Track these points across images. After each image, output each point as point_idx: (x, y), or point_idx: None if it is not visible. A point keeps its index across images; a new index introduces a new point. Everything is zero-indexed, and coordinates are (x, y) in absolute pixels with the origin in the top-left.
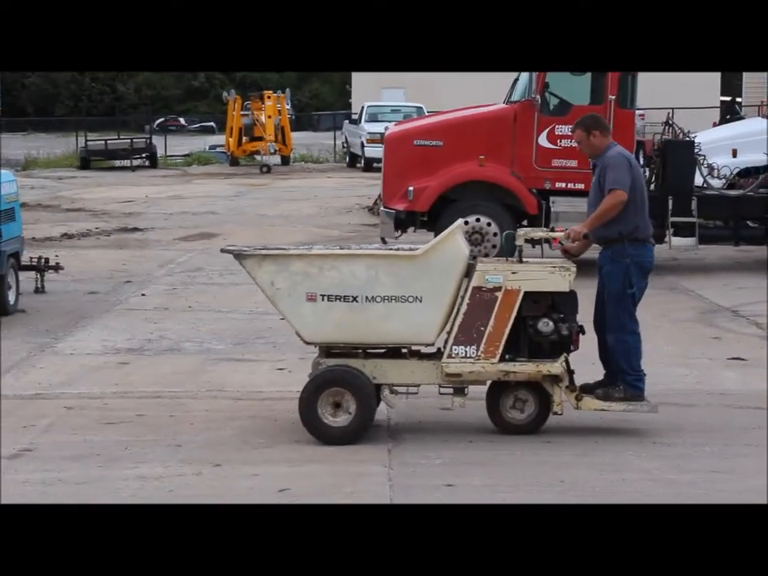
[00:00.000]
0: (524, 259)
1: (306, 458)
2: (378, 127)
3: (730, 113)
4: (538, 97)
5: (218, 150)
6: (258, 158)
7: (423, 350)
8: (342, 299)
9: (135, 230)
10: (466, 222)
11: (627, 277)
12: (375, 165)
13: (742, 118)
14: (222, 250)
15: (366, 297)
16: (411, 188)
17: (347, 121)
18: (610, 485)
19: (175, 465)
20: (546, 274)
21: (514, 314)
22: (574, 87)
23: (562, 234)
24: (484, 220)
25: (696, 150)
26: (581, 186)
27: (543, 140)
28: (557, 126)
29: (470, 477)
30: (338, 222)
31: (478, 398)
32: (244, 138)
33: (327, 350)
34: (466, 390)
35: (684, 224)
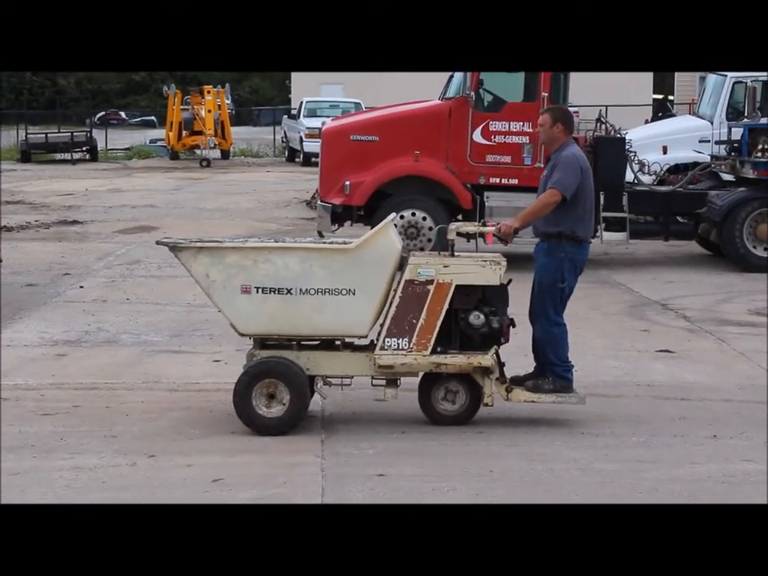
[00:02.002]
0: (456, 253)
1: (240, 449)
2: (316, 122)
3: (661, 110)
4: (473, 93)
5: (159, 143)
6: (198, 152)
7: (356, 342)
8: (276, 291)
9: (74, 222)
10: (402, 217)
11: (560, 271)
12: (314, 159)
13: (673, 115)
14: (158, 242)
15: (300, 289)
16: (348, 182)
17: (286, 116)
18: (539, 474)
19: (110, 455)
20: (478, 267)
21: (446, 306)
22: (507, 84)
23: (494, 228)
24: (419, 214)
25: (627, 147)
26: (514, 182)
27: (477, 136)
28: (491, 123)
29: (402, 467)
30: (276, 216)
31: (411, 389)
32: (184, 133)
33: (262, 342)
34: (398, 381)
35: (615, 219)
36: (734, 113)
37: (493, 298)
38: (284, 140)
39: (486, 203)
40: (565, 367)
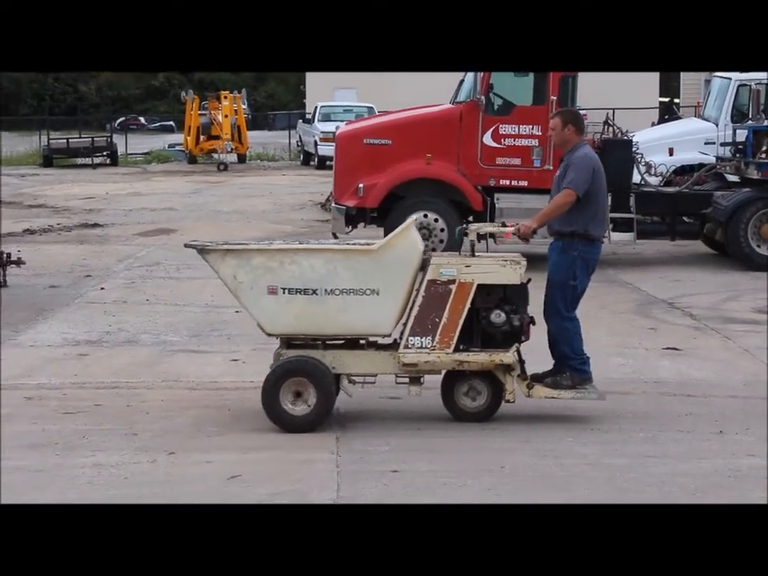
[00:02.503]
0: (476, 253)
1: (257, 446)
2: (330, 126)
3: (668, 113)
4: (483, 97)
5: (177, 148)
6: (215, 156)
7: (380, 341)
8: (302, 292)
9: (95, 225)
10: (414, 218)
11: (572, 269)
12: (328, 163)
13: (679, 118)
14: (186, 245)
15: (326, 290)
16: (361, 185)
17: (301, 120)
18: (549, 469)
19: (131, 453)
20: (498, 267)
21: (468, 305)
22: (517, 88)
23: (513, 228)
24: (431, 216)
25: (634, 149)
26: (524, 184)
27: (488, 139)
28: (501, 126)
29: (416, 463)
30: (291, 218)
31: (427, 387)
32: (201, 137)
33: (288, 342)
34: (421, 379)
35: (623, 219)
36: (738, 115)
37: (513, 296)
38: (299, 144)
39: (497, 205)
40: (581, 360)
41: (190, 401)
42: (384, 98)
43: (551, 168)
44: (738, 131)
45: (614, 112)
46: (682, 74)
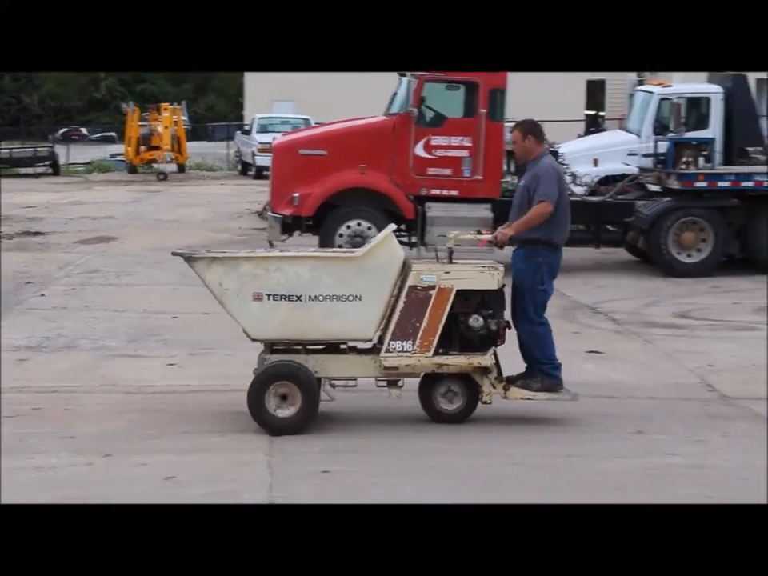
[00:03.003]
0: (454, 260)
1: (192, 448)
2: (267, 137)
3: (593, 125)
4: (415, 110)
5: (118, 158)
6: (155, 166)
7: (359, 345)
8: (287, 298)
9: (37, 233)
10: (348, 227)
11: (539, 275)
12: (265, 173)
13: (604, 130)
14: (174, 253)
15: (310, 296)
16: (297, 194)
17: (240, 131)
18: (476, 469)
19: (68, 455)
20: (477, 273)
21: (447, 310)
22: (448, 101)
23: (491, 236)
24: (365, 224)
25: (560, 160)
26: (455, 193)
27: (420, 150)
28: (432, 137)
29: (347, 464)
30: (229, 227)
31: (361, 390)
32: (142, 148)
33: (271, 347)
34: (400, 382)
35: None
36: (660, 127)
37: (491, 301)
38: (237, 154)
39: (428, 214)
40: (552, 365)
41: (127, 404)
42: (320, 110)
43: (481, 178)
44: (659, 143)
45: (541, 124)
46: (607, 86)
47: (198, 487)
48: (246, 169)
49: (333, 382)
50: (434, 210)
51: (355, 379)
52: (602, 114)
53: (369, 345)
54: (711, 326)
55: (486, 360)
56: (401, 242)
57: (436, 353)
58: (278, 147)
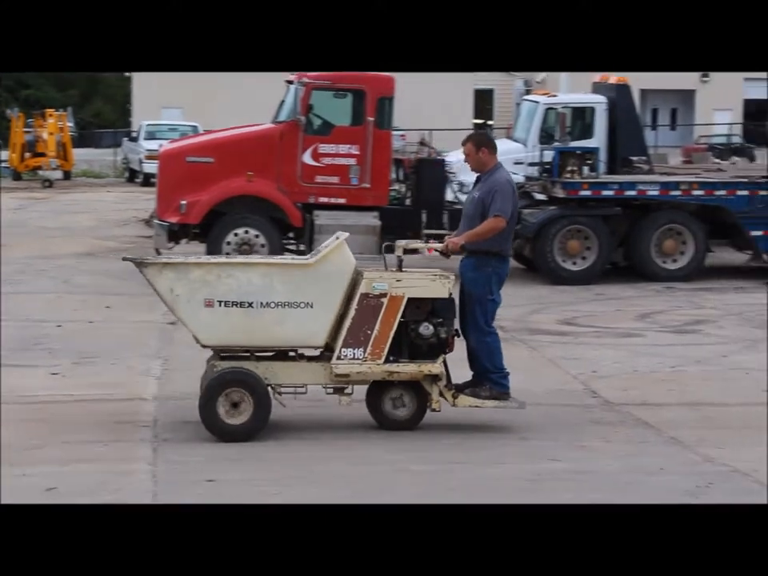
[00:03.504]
0: (404, 269)
1: (75, 458)
2: (155, 145)
3: None
4: (303, 117)
5: (2, 165)
6: (41, 172)
7: (306, 352)
8: (238, 305)
9: None
10: (236, 234)
11: (489, 285)
12: (153, 180)
13: None
14: (125, 258)
15: (261, 303)
16: (184, 202)
17: (127, 138)
18: (359, 476)
19: None
20: (428, 282)
21: (398, 318)
22: (336, 109)
23: (441, 245)
24: (252, 232)
25: (447, 168)
26: (342, 201)
27: (307, 158)
28: (320, 145)
29: (231, 472)
30: (115, 234)
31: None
32: (27, 154)
33: (219, 353)
34: (347, 389)
35: (436, 235)
36: (545, 137)
37: (441, 309)
38: (125, 161)
39: (316, 221)
40: (501, 374)
41: (9, 414)
42: (209, 118)
43: (368, 186)
44: (545, 152)
45: (430, 133)
46: (495, 96)
47: (80, 498)
48: (133, 176)
49: (280, 389)
50: (321, 217)
51: (305, 386)
52: (490, 123)
53: (317, 352)
54: (595, 332)
55: (436, 368)
56: (288, 250)
57: (387, 360)
58: (165, 154)
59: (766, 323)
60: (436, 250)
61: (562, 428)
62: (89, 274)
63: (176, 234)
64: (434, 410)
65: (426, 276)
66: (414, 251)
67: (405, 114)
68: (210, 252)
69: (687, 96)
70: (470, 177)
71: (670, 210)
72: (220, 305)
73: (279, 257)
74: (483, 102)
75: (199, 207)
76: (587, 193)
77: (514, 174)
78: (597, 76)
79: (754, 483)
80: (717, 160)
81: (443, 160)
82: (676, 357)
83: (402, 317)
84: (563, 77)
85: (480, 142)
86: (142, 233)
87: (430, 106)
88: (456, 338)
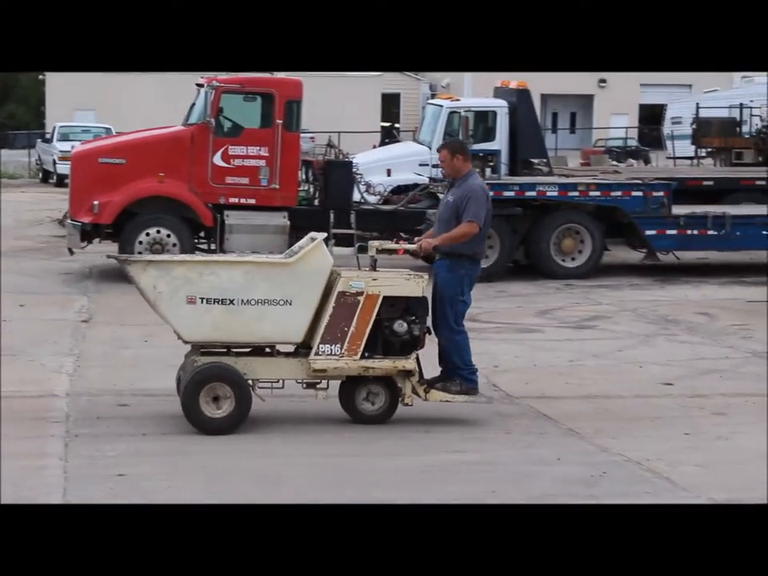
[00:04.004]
0: (377, 268)
1: None
2: (68, 146)
3: (388, 137)
4: (213, 120)
5: None
6: None
7: (282, 348)
8: (219, 302)
9: None
10: (147, 234)
11: (461, 285)
12: (66, 181)
13: (398, 141)
14: (109, 256)
15: (242, 300)
16: (96, 202)
17: (40, 140)
18: (259, 469)
19: None
20: (403, 281)
21: (374, 316)
22: (245, 112)
23: (414, 246)
24: (164, 231)
25: (354, 170)
26: (252, 201)
27: (218, 159)
28: (230, 147)
29: (141, 467)
30: (29, 234)
31: (152, 394)
32: None
33: (199, 349)
34: (319, 384)
35: (344, 235)
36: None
37: (415, 308)
38: (38, 162)
39: (227, 221)
40: (470, 370)
41: None
42: (122, 120)
43: (277, 187)
44: None
45: (339, 135)
46: (402, 100)
47: None
48: (47, 177)
49: (257, 383)
50: (232, 217)
51: (280, 381)
52: (397, 125)
53: (291, 348)
54: (497, 328)
55: (409, 363)
56: (199, 249)
57: (362, 356)
58: (77, 156)
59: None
60: (407, 251)
61: (464, 421)
62: (3, 272)
63: (89, 233)
64: (406, 404)
65: (401, 275)
66: (389, 251)
67: (315, 117)
68: (122, 252)
69: (586, 101)
70: (377, 177)
71: (568, 210)
72: (202, 302)
73: (259, 255)
74: (390, 105)
75: (111, 207)
76: (489, 193)
77: (419, 175)
78: (499, 81)
79: (645, 472)
80: (614, 162)
81: (350, 162)
82: (574, 351)
83: (377, 314)
84: (467, 82)
85: (455, 150)
86: (55, 232)
87: (339, 109)
88: (427, 335)
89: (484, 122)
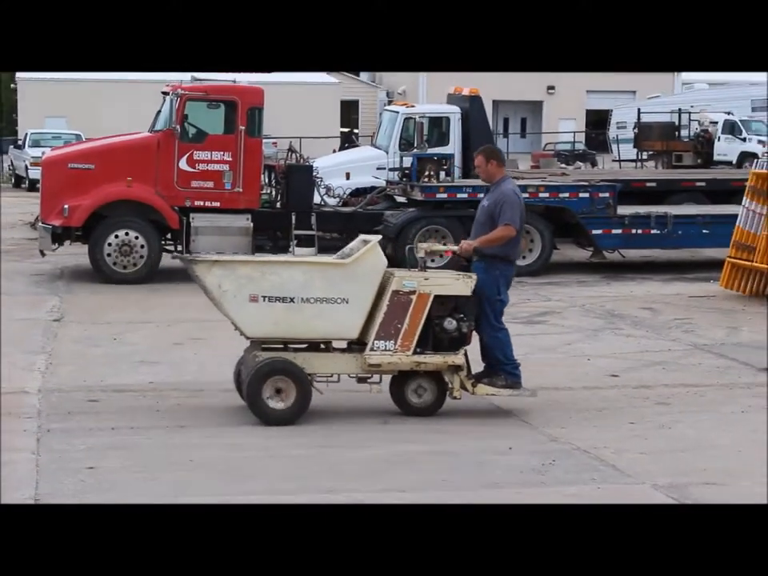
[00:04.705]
0: (426, 268)
1: None
2: (40, 152)
3: (347, 142)
4: (178, 127)
5: None
6: None
7: (335, 344)
8: (281, 300)
9: None
10: (116, 236)
11: (497, 285)
12: (38, 185)
13: (357, 146)
14: (174, 257)
15: (302, 298)
16: (66, 206)
17: (13, 146)
18: (234, 462)
19: None
20: (453, 280)
21: (426, 313)
22: (209, 118)
23: (457, 247)
24: (132, 234)
25: (315, 174)
26: (217, 204)
27: (183, 164)
28: (195, 152)
29: (111, 460)
30: (2, 237)
31: (120, 390)
32: None
33: (260, 345)
34: (379, 378)
35: (305, 236)
36: (405, 144)
37: (463, 306)
38: (11, 168)
39: (192, 224)
40: (513, 365)
41: None
42: (92, 127)
43: (240, 190)
44: (404, 158)
45: (300, 141)
46: (360, 106)
47: None
48: (19, 182)
49: (314, 378)
50: (197, 220)
51: (338, 375)
52: (355, 131)
53: (344, 344)
54: None
55: (459, 359)
56: (167, 251)
57: (415, 352)
58: (47, 161)
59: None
60: (454, 252)
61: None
62: None
63: (59, 236)
64: (454, 398)
65: (451, 275)
66: (437, 253)
67: (277, 123)
68: (91, 253)
69: (535, 106)
70: (336, 181)
71: None
72: (264, 300)
73: (320, 256)
74: (349, 111)
75: (81, 211)
76: (443, 195)
77: (377, 178)
78: (452, 87)
79: (592, 460)
80: (562, 165)
81: (311, 166)
82: (525, 345)
83: (428, 312)
84: (422, 89)
85: (489, 155)
86: (28, 235)
87: (300, 115)
88: (474, 332)
89: (438, 127)
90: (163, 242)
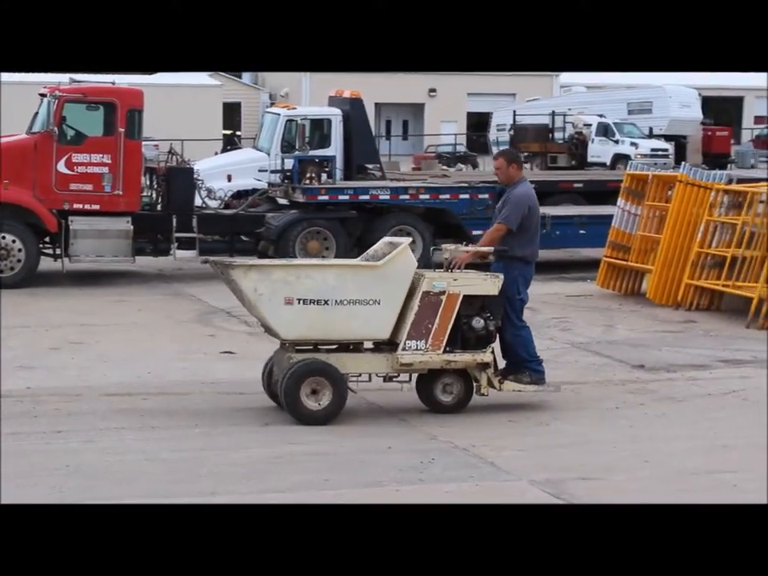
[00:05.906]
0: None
1: None
2: None
3: (230, 144)
4: (56, 129)
5: None
6: None
7: (365, 345)
8: (315, 303)
9: None
10: None
11: (516, 285)
12: None
13: (239, 148)
14: (205, 261)
15: (336, 300)
16: None
17: None
18: (111, 466)
19: None
20: (480, 281)
21: (455, 313)
22: (88, 120)
23: (475, 248)
24: (9, 237)
25: (195, 176)
26: (96, 207)
27: (62, 167)
28: (74, 155)
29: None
30: None
31: (8, 396)
32: None
33: (294, 346)
34: (409, 376)
35: (186, 239)
36: (287, 146)
37: (490, 305)
38: None
39: (71, 227)
40: (537, 362)
41: None
42: None
43: (120, 193)
44: (286, 160)
45: (182, 143)
46: (243, 108)
47: None
48: None
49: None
50: (76, 223)
51: (370, 375)
52: (238, 133)
53: (370, 345)
54: None
55: (487, 356)
56: (45, 254)
57: (445, 350)
58: None
59: None
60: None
61: None
62: None
63: None
64: (482, 395)
65: (479, 276)
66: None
67: (159, 126)
68: None
69: (417, 109)
70: (218, 183)
71: (399, 213)
72: (299, 302)
73: (350, 260)
74: (232, 113)
75: None
76: (325, 197)
77: (259, 180)
78: (334, 90)
79: (471, 457)
80: (444, 167)
81: (192, 168)
82: None
83: (458, 311)
84: (304, 91)
85: (511, 158)
86: None
87: (182, 117)
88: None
89: (320, 129)
90: (41, 246)
